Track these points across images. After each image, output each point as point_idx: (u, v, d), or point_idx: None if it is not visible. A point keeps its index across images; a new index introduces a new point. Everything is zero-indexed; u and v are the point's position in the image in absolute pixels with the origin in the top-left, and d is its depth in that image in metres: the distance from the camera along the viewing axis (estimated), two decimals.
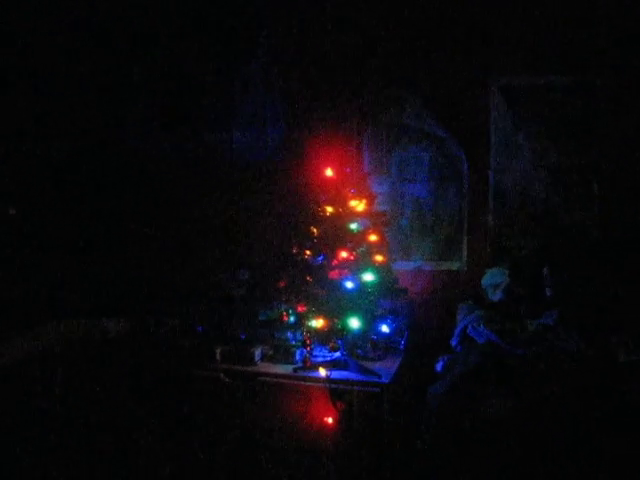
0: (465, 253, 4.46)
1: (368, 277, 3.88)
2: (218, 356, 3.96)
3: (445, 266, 4.50)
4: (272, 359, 3.96)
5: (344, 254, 3.87)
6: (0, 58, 4.47)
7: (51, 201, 4.92)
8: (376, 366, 3.79)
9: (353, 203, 3.98)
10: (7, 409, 3.57)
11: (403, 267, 4.47)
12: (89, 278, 4.78)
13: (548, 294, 3.92)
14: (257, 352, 3.94)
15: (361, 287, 3.87)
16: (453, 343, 3.97)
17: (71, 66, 4.84)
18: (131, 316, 4.31)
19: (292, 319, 3.97)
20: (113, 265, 4.89)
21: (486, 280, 4.21)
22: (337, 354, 3.86)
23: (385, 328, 3.97)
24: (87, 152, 4.97)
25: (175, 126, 4.92)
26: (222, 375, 3.85)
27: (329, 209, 3.96)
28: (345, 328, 3.81)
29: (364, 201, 4.00)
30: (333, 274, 3.87)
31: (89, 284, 4.73)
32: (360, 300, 3.84)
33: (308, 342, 3.82)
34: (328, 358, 3.86)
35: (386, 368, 3.78)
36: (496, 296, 4.09)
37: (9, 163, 4.71)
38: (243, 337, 4.10)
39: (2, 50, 4.48)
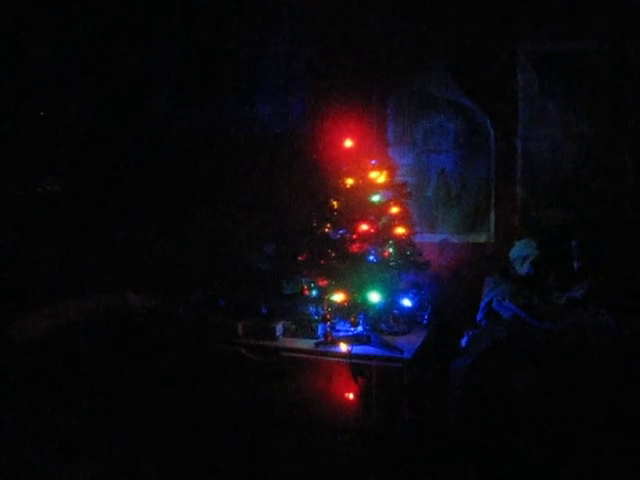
0: (492, 225, 4.33)
1: (389, 250, 3.80)
2: (240, 331, 3.94)
3: (472, 238, 4.39)
4: (294, 334, 3.92)
5: (365, 227, 3.80)
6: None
7: (80, 179, 4.96)
8: (399, 341, 3.74)
9: (373, 174, 3.89)
10: (32, 381, 3.60)
11: (429, 240, 4.38)
12: (115, 254, 4.81)
13: (576, 267, 3.81)
14: (279, 327, 3.91)
15: (382, 260, 3.80)
16: (478, 318, 3.88)
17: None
18: (156, 291, 4.32)
19: (314, 293, 3.92)
20: (139, 241, 4.92)
21: (514, 252, 4.10)
22: (359, 329, 3.80)
23: (407, 302, 3.91)
24: (108, 128, 4.99)
25: (198, 98, 4.88)
26: (243, 350, 3.83)
27: (349, 181, 3.89)
28: (365, 302, 3.75)
29: (385, 172, 3.92)
30: (354, 247, 3.80)
31: (115, 260, 4.76)
32: (381, 274, 3.77)
33: (328, 317, 3.77)
34: (350, 333, 3.81)
35: (409, 343, 3.72)
36: (524, 269, 3.99)
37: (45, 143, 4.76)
38: (265, 311, 4.07)
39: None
